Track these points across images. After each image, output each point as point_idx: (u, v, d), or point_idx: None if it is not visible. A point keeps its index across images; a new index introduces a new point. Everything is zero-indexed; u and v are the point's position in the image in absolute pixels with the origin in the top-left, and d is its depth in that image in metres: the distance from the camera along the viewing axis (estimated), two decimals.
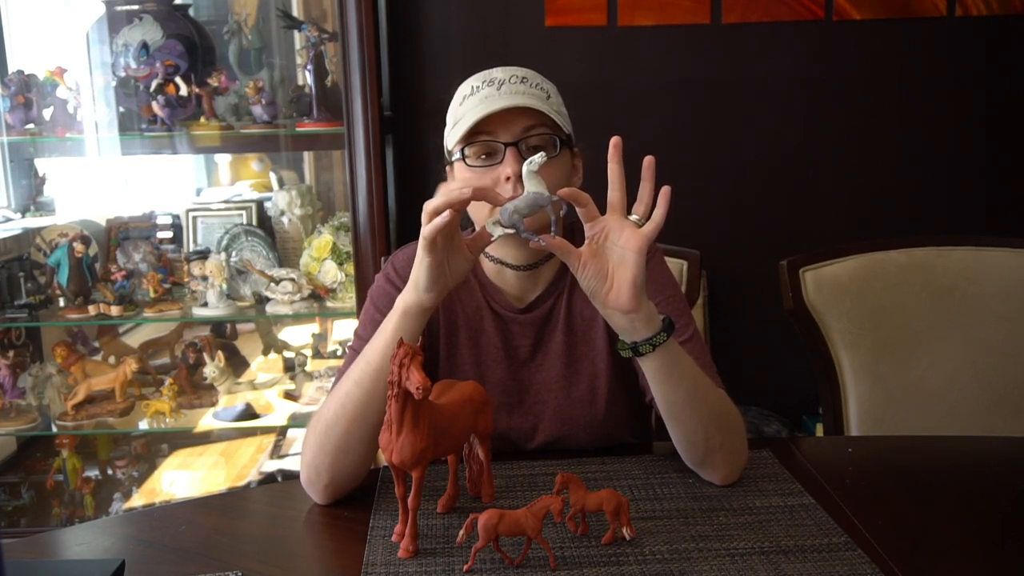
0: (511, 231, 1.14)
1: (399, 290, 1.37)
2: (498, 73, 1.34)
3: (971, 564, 1.09)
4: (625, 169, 1.15)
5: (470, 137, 1.31)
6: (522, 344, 1.42)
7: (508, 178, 1.29)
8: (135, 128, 2.65)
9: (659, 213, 1.14)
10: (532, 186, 1.13)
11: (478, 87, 1.33)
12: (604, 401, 1.40)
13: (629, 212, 1.16)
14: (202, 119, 2.62)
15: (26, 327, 2.74)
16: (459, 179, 1.35)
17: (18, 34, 2.81)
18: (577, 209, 1.15)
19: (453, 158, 1.36)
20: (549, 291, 1.42)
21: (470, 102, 1.32)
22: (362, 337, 1.34)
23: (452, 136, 1.34)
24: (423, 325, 1.22)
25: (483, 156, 1.32)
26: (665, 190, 1.14)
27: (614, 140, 1.13)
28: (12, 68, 2.69)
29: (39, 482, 2.79)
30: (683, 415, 1.22)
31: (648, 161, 1.13)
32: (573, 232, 1.41)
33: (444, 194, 1.13)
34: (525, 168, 1.13)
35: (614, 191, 1.14)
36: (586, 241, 1.15)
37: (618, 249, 1.14)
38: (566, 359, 1.41)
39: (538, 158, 1.13)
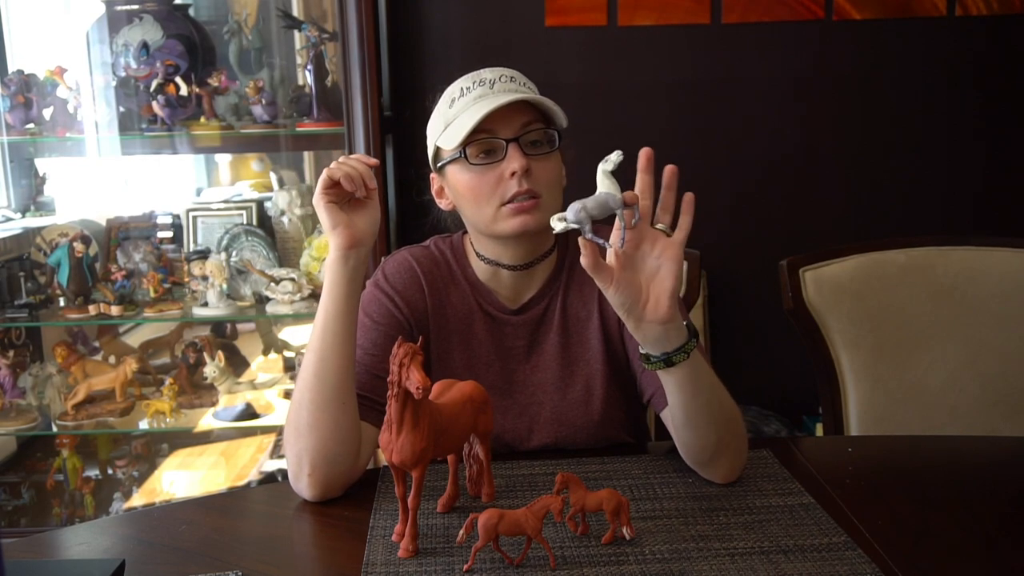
0: (575, 227, 1.08)
1: (389, 297, 1.39)
2: (487, 73, 1.34)
3: (971, 564, 1.09)
4: (627, 173, 1.13)
5: (469, 137, 1.30)
6: (516, 345, 1.42)
7: (513, 173, 1.29)
8: (135, 128, 2.65)
9: (687, 221, 1.12)
10: (605, 187, 1.08)
11: (468, 88, 1.33)
12: (600, 402, 1.40)
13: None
14: (202, 119, 2.62)
15: (26, 327, 2.74)
16: (459, 181, 1.34)
17: (18, 34, 2.81)
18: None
19: (445, 160, 1.35)
20: (543, 292, 1.42)
21: (462, 103, 1.32)
22: (356, 344, 1.34)
23: (448, 137, 1.33)
24: (354, 270, 1.24)
25: (482, 154, 1.32)
26: (689, 197, 1.12)
27: (646, 151, 1.10)
28: (12, 68, 2.69)
29: (39, 482, 2.79)
30: (700, 420, 1.21)
31: (670, 170, 1.11)
32: (568, 238, 1.41)
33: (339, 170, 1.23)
34: (601, 168, 1.09)
35: (645, 199, 1.11)
36: (611, 254, 1.11)
37: (652, 260, 1.12)
38: (561, 360, 1.41)
39: (615, 156, 1.09)
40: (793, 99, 2.77)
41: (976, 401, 1.82)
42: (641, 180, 1.12)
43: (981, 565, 1.09)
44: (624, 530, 1.10)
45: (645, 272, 1.13)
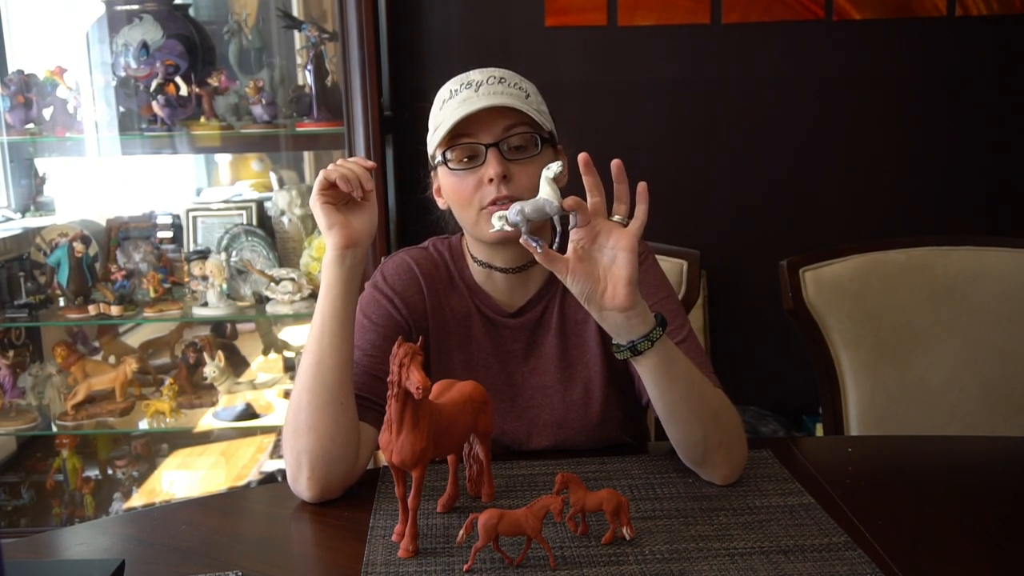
0: (511, 229, 1.15)
1: (388, 298, 1.39)
2: (475, 75, 1.34)
3: (971, 564, 1.09)
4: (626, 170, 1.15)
5: (451, 141, 1.32)
6: (514, 348, 1.42)
7: (491, 179, 1.30)
8: (135, 128, 2.65)
9: (642, 209, 1.15)
10: (546, 193, 1.13)
11: (456, 90, 1.34)
12: (599, 404, 1.40)
13: (610, 215, 1.17)
14: (202, 119, 2.62)
15: (26, 327, 2.74)
16: (445, 184, 1.36)
17: (18, 34, 2.81)
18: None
19: (435, 162, 1.37)
20: (540, 295, 1.42)
21: (449, 106, 1.33)
22: (354, 345, 1.34)
23: (433, 141, 1.35)
24: (351, 270, 1.26)
25: (465, 159, 1.33)
26: (642, 186, 1.14)
27: (582, 156, 1.13)
28: (12, 68, 2.69)
29: (39, 482, 2.79)
30: (681, 413, 1.22)
31: (616, 164, 1.14)
32: (565, 241, 1.42)
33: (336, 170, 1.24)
34: (543, 174, 1.13)
35: (593, 197, 1.14)
36: (570, 247, 1.15)
37: (608, 250, 1.14)
38: (560, 363, 1.41)
39: (555, 166, 1.13)
40: (793, 99, 2.77)
41: (976, 401, 1.82)
42: (586, 181, 1.14)
43: (981, 565, 1.09)
44: (624, 530, 1.10)
45: (602, 262, 1.15)
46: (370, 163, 1.27)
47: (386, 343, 1.33)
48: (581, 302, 1.17)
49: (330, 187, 1.25)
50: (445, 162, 1.34)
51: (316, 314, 1.27)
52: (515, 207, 1.14)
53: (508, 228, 1.15)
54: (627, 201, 1.16)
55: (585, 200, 1.14)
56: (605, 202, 1.15)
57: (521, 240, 1.13)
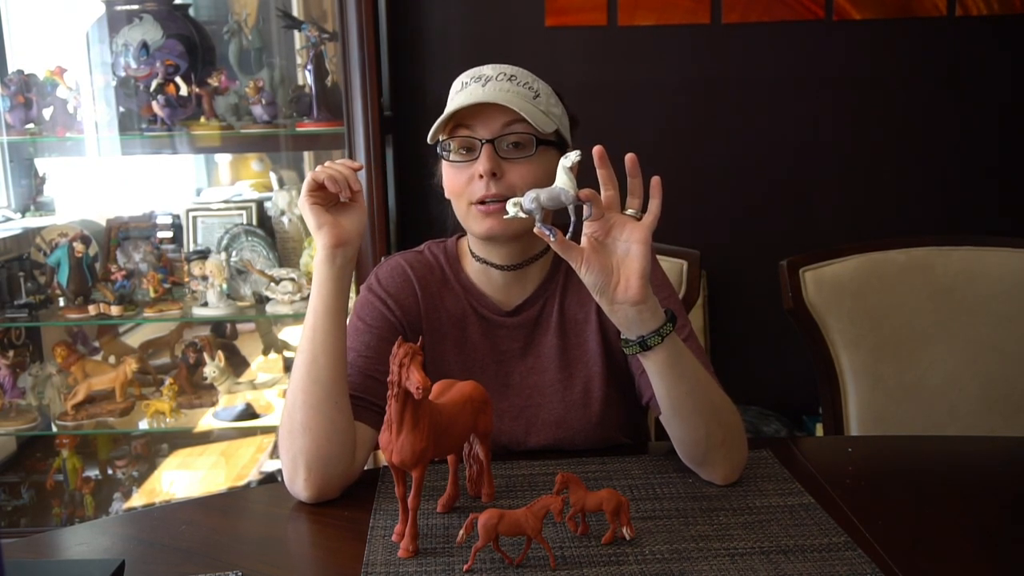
0: (524, 216, 1.15)
1: (381, 300, 1.40)
2: (488, 70, 1.35)
3: (971, 564, 1.09)
4: (620, 172, 1.16)
5: (451, 132, 1.33)
6: (511, 347, 1.42)
7: (480, 176, 1.30)
8: (135, 128, 2.65)
9: (655, 203, 1.15)
10: (562, 181, 1.13)
11: (467, 83, 1.35)
12: (599, 404, 1.40)
13: (623, 208, 1.17)
14: (202, 119, 2.62)
15: (26, 327, 2.74)
16: (443, 173, 1.37)
17: (18, 34, 2.81)
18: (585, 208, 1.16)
19: (439, 151, 1.38)
20: (538, 293, 1.42)
21: (457, 98, 1.34)
22: (349, 347, 1.34)
23: (433, 129, 1.36)
24: (341, 269, 1.27)
25: (463, 151, 1.33)
26: (655, 181, 1.15)
27: (597, 149, 1.13)
28: (12, 68, 2.69)
29: (39, 482, 2.79)
30: (686, 410, 1.22)
31: (630, 158, 1.14)
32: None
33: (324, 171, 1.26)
34: (560, 163, 1.13)
35: (607, 190, 1.15)
36: (585, 239, 1.15)
37: (622, 243, 1.15)
38: (559, 362, 1.41)
39: (573, 155, 1.13)
40: (793, 99, 2.77)
41: (976, 401, 1.82)
42: (600, 175, 1.15)
43: (981, 565, 1.09)
44: (624, 530, 1.10)
45: (616, 255, 1.15)
46: (357, 164, 1.29)
47: (380, 344, 1.34)
48: (593, 294, 1.17)
49: (318, 188, 1.26)
50: (445, 152, 1.34)
51: (308, 314, 1.27)
52: (530, 194, 1.14)
53: (522, 215, 1.15)
54: (641, 195, 1.16)
55: (599, 193, 1.14)
56: (619, 195, 1.16)
57: (535, 229, 1.13)
